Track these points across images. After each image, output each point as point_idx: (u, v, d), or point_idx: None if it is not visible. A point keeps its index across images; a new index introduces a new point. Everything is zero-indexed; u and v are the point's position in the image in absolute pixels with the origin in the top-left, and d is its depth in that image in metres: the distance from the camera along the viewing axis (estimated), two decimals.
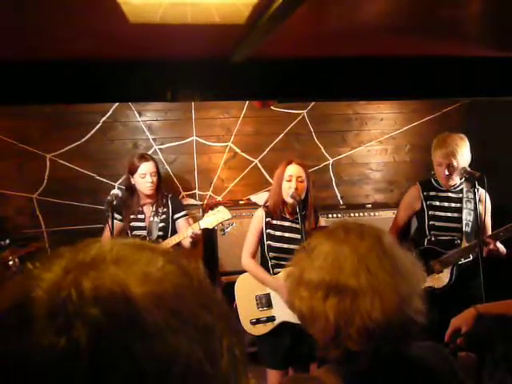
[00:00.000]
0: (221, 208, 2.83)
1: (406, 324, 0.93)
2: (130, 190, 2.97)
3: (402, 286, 0.93)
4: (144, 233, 2.93)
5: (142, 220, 2.96)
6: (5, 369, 0.38)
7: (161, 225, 2.93)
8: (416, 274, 0.99)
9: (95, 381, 0.38)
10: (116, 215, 2.92)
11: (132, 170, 2.90)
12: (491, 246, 2.56)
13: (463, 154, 2.69)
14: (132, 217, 2.96)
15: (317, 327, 0.96)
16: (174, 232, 2.94)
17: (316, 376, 0.98)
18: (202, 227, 2.77)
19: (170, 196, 3.05)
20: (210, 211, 2.84)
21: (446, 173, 2.70)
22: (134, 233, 2.97)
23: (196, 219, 3.42)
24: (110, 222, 2.62)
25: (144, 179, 2.87)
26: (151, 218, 2.93)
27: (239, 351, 0.47)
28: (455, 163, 2.67)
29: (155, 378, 0.39)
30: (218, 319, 0.46)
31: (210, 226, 2.78)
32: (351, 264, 0.93)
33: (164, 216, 2.95)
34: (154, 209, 2.94)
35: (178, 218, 3.00)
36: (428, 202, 2.85)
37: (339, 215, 3.79)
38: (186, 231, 2.79)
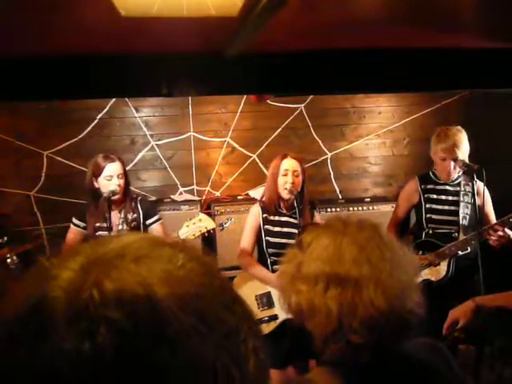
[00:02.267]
0: (202, 216, 2.60)
1: (406, 314, 0.92)
2: (94, 194, 2.60)
3: (402, 276, 0.93)
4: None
5: (110, 229, 2.56)
6: (27, 375, 0.37)
7: None
8: (412, 267, 0.98)
9: None
10: (77, 221, 2.67)
11: (96, 172, 2.55)
12: (500, 233, 2.55)
13: (464, 148, 2.68)
14: (97, 225, 2.60)
15: (316, 321, 0.94)
16: None
17: (310, 379, 0.96)
18: (181, 238, 2.51)
19: (139, 199, 2.72)
20: (189, 220, 2.59)
21: (452, 166, 2.68)
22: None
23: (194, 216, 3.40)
24: (108, 219, 2.54)
25: (110, 181, 2.53)
26: (120, 227, 2.61)
27: (263, 353, 0.45)
28: (460, 156, 2.65)
29: None
30: (242, 320, 0.45)
31: (191, 237, 2.52)
32: (351, 254, 0.92)
33: (135, 223, 2.63)
34: (122, 215, 2.62)
35: (151, 224, 2.69)
36: (426, 195, 2.85)
37: (338, 209, 3.78)
38: None
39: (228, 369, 0.41)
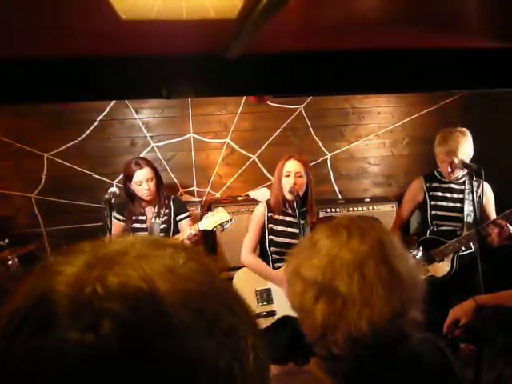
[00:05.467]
0: (220, 209, 2.76)
1: (393, 336, 0.91)
2: (130, 194, 2.88)
3: (397, 297, 0.90)
4: (145, 234, 2.89)
5: (144, 221, 2.90)
6: (33, 365, 0.38)
7: (162, 226, 2.87)
8: (416, 281, 0.95)
9: (124, 379, 0.37)
10: (117, 215, 2.90)
11: (128, 178, 2.81)
12: (496, 231, 2.56)
13: (464, 151, 2.71)
14: (133, 218, 2.90)
15: (305, 324, 0.96)
16: (176, 233, 2.88)
17: (308, 369, 0.97)
18: (200, 229, 2.70)
19: (172, 197, 2.99)
20: (209, 212, 2.79)
21: (449, 170, 2.76)
22: (136, 234, 2.85)
23: (195, 217, 3.41)
24: (108, 221, 2.60)
25: (141, 186, 2.78)
26: (153, 220, 2.87)
27: (263, 353, 0.46)
28: (456, 160, 2.70)
29: (183, 379, 0.39)
30: (242, 319, 0.46)
31: (209, 228, 2.71)
32: (346, 269, 0.90)
33: (166, 217, 2.89)
34: (155, 210, 2.89)
35: (181, 220, 2.94)
36: (431, 193, 2.88)
37: (338, 210, 3.79)
38: (187, 232, 2.73)
39: (229, 364, 0.41)
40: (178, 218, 2.93)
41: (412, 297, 0.93)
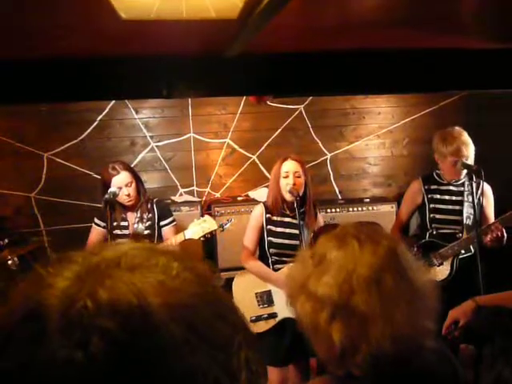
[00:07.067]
0: (207, 218, 2.69)
1: (413, 350, 0.87)
2: (109, 200, 2.66)
3: (414, 309, 0.86)
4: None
5: (126, 227, 2.73)
6: (20, 382, 0.37)
7: (146, 232, 2.71)
8: (429, 291, 0.91)
9: None
10: (98, 221, 2.77)
11: (106, 184, 2.64)
12: (498, 233, 2.56)
13: (472, 145, 2.68)
14: (115, 224, 2.70)
15: (319, 343, 0.89)
16: (161, 239, 2.77)
17: None
18: (187, 237, 2.61)
19: (155, 200, 2.80)
20: (196, 220, 2.67)
21: (459, 166, 2.66)
22: (118, 241, 2.62)
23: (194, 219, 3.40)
24: (108, 221, 2.56)
25: (120, 192, 2.62)
26: (135, 225, 2.72)
27: (256, 365, 0.45)
28: (471, 154, 2.66)
29: None
30: (235, 331, 0.45)
31: (196, 237, 2.61)
32: (364, 286, 0.84)
33: (149, 222, 2.73)
34: (138, 215, 2.72)
35: (165, 226, 2.79)
36: (429, 196, 2.85)
37: (337, 210, 3.79)
38: (171, 241, 2.64)
39: (219, 381, 0.41)
40: (161, 223, 2.77)
41: (426, 306, 0.90)
